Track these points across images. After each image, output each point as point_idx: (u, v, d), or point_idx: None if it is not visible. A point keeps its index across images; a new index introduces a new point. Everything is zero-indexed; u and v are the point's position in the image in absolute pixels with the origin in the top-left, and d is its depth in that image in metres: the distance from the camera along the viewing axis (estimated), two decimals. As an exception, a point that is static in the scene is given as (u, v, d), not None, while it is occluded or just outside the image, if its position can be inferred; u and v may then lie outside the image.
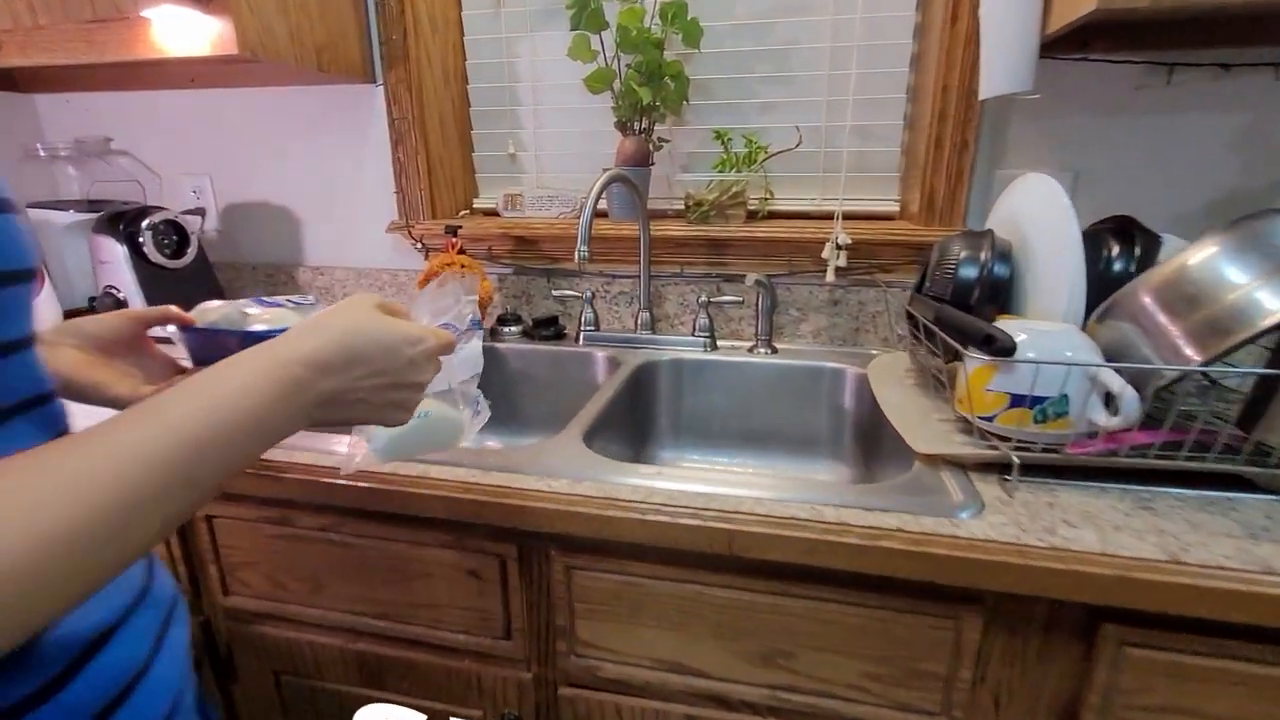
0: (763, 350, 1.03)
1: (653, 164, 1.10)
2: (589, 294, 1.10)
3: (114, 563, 0.27)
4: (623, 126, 1.09)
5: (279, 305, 0.59)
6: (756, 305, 1.02)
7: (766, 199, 1.10)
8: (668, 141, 1.12)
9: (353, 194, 1.24)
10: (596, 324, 1.11)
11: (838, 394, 0.98)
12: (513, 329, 1.13)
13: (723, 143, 1.09)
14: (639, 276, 1.06)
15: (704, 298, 1.05)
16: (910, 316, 0.79)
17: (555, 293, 1.10)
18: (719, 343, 1.07)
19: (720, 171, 1.07)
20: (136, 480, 0.27)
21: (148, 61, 1.18)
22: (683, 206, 1.09)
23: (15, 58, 0.97)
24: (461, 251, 1.10)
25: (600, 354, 1.05)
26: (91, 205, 1.18)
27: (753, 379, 1.01)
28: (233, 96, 1.24)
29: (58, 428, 0.35)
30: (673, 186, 1.17)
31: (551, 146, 1.22)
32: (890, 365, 0.90)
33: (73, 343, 0.48)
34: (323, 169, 1.24)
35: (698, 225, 1.06)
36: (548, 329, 1.11)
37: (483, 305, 1.08)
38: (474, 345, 0.54)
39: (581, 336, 1.09)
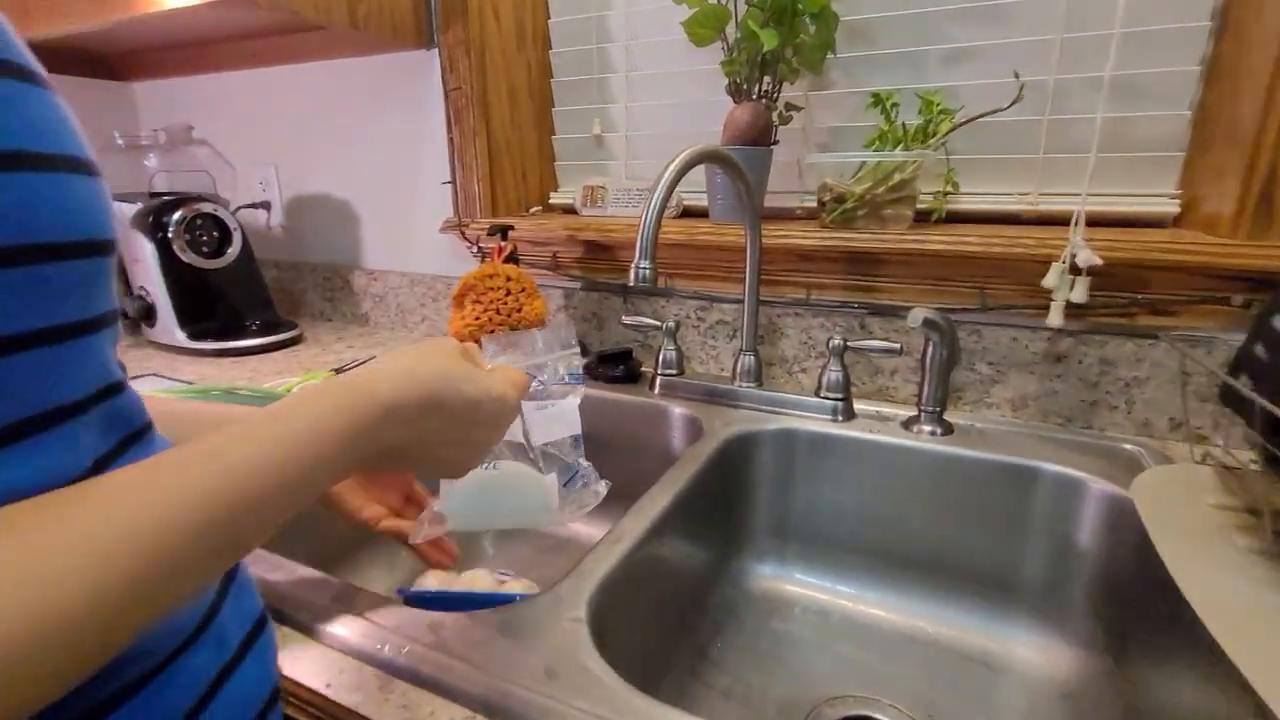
0: (929, 428, 0.66)
1: (775, 142, 0.77)
2: (671, 323, 0.79)
3: (125, 637, 0.22)
4: (736, 90, 0.77)
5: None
6: (924, 356, 0.66)
7: (948, 192, 0.73)
8: (799, 110, 0.78)
9: (409, 185, 1.04)
10: (679, 365, 0.79)
11: (1066, 519, 0.58)
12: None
13: (884, 109, 0.73)
14: (743, 302, 0.74)
15: (839, 339, 0.70)
16: (1271, 424, 0.39)
17: (627, 319, 0.81)
18: (857, 408, 0.71)
19: (877, 150, 0.71)
20: (177, 540, 0.23)
21: (203, 38, 1.07)
22: (816, 203, 0.75)
23: (42, 27, 0.86)
24: (512, 259, 0.84)
25: (678, 410, 0.74)
26: (153, 198, 1.08)
27: (909, 472, 0.65)
28: (295, 75, 1.09)
29: (128, 426, 0.28)
30: (804, 175, 0.83)
31: (647, 124, 0.93)
32: (1177, 489, 0.50)
33: None
34: (380, 156, 1.05)
35: (837, 230, 0.71)
36: (615, 367, 0.82)
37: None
38: (568, 403, 0.46)
39: (658, 382, 0.79)
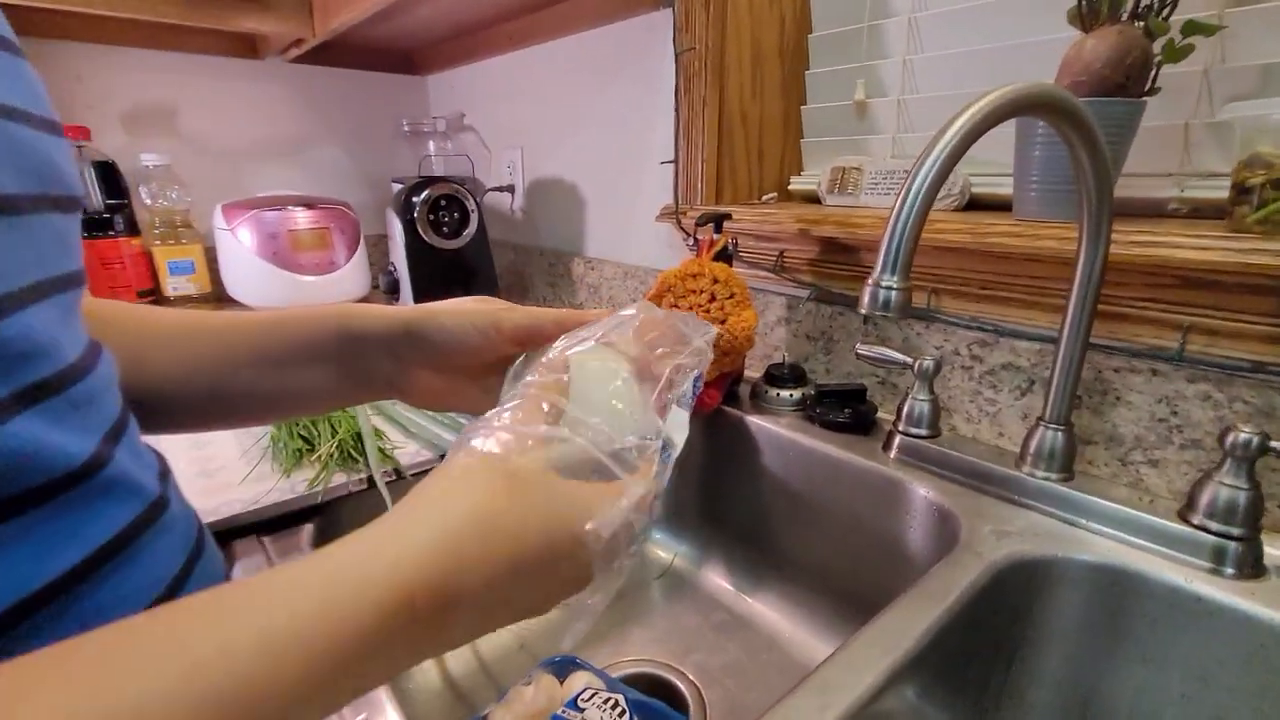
0: None
1: (1153, 90, 0.48)
2: (928, 361, 0.55)
3: None
4: (1089, 12, 0.49)
5: None
6: None
7: None
8: (1211, 33, 0.47)
9: (634, 167, 0.94)
10: (933, 423, 0.55)
11: None
12: (787, 394, 0.66)
13: None
14: (1057, 343, 0.47)
15: (1251, 433, 0.39)
16: None
17: (863, 349, 0.59)
18: (1269, 555, 0.40)
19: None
20: None
21: (472, 22, 1.10)
22: (1227, 192, 0.44)
23: (334, 18, 0.94)
24: (724, 256, 0.68)
25: (923, 493, 0.51)
26: (419, 179, 1.16)
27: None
28: (540, 55, 1.07)
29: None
30: (1193, 149, 0.51)
31: (932, 83, 0.69)
32: None
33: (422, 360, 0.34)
34: (608, 135, 0.97)
35: (1269, 239, 0.40)
36: (840, 409, 0.61)
37: (734, 351, 0.64)
38: (677, 417, 0.29)
39: (897, 444, 0.56)
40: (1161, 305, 0.47)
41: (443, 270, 1.03)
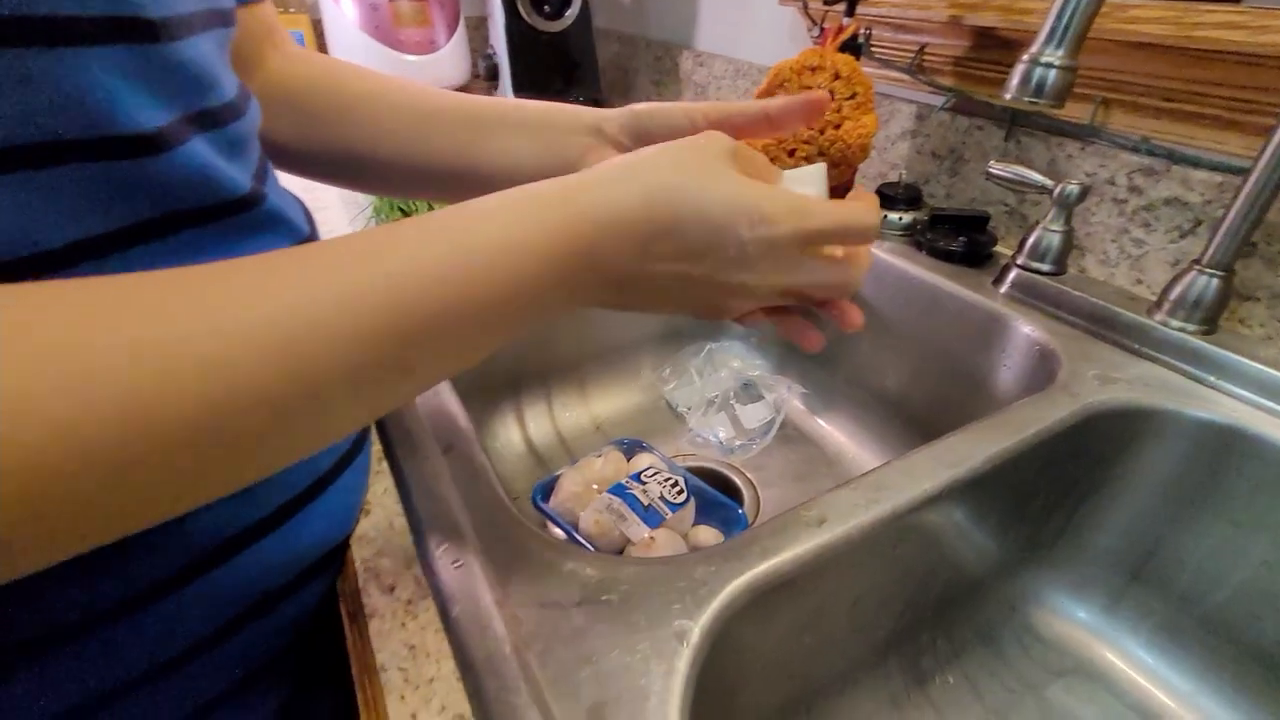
0: None
1: None
2: (1073, 186, 0.47)
3: (239, 474, 0.18)
4: None
5: None
6: None
7: None
8: None
9: (762, -63, 0.80)
10: (1060, 259, 0.49)
11: None
12: (896, 217, 0.61)
13: None
14: (1248, 173, 0.39)
15: None
16: None
17: (996, 168, 0.51)
18: None
19: None
20: (324, 350, 0.18)
21: None
22: None
23: None
24: (852, 47, 0.59)
25: (1026, 331, 0.47)
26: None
27: None
28: None
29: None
30: None
31: None
32: None
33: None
34: (738, -107, 0.82)
35: None
36: (954, 237, 0.55)
37: (845, 162, 0.58)
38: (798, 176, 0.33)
39: (1011, 278, 0.51)
40: None
41: (543, 58, 0.96)
